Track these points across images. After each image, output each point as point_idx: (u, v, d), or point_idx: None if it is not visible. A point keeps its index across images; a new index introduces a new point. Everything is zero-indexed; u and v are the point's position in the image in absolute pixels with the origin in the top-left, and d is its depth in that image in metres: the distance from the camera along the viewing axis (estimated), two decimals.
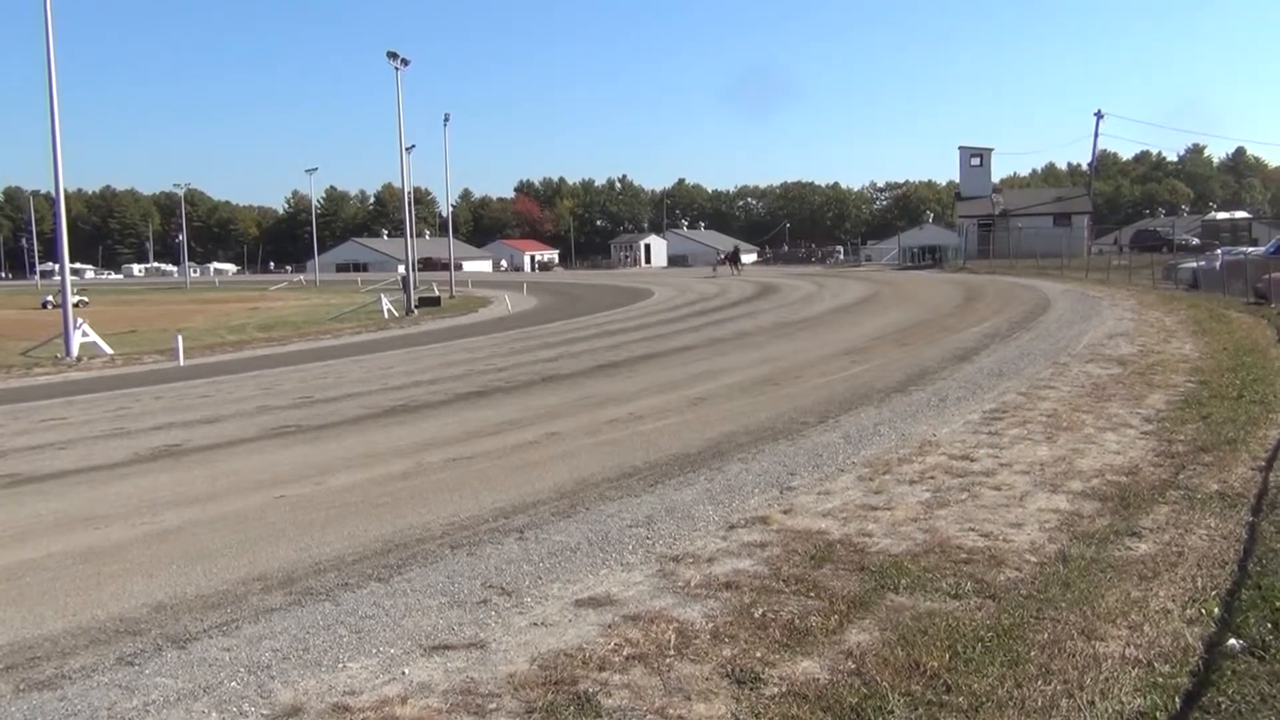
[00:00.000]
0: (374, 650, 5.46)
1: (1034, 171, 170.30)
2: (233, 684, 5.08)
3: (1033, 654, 5.04)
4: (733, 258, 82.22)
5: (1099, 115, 75.81)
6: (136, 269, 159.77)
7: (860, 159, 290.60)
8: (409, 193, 56.37)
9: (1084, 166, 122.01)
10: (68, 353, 25.75)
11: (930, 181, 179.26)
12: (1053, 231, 69.01)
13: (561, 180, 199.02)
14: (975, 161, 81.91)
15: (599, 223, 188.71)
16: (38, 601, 6.48)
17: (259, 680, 5.12)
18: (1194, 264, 40.51)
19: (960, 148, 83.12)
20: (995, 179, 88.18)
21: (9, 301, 69.08)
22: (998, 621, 5.47)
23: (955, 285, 44.30)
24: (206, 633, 5.81)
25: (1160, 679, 4.74)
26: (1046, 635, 5.27)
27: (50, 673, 5.31)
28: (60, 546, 7.81)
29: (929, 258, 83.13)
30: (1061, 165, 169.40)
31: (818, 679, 4.85)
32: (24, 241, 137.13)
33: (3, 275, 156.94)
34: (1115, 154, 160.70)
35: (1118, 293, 34.59)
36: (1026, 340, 20.47)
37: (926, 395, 13.65)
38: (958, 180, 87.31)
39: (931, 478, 8.92)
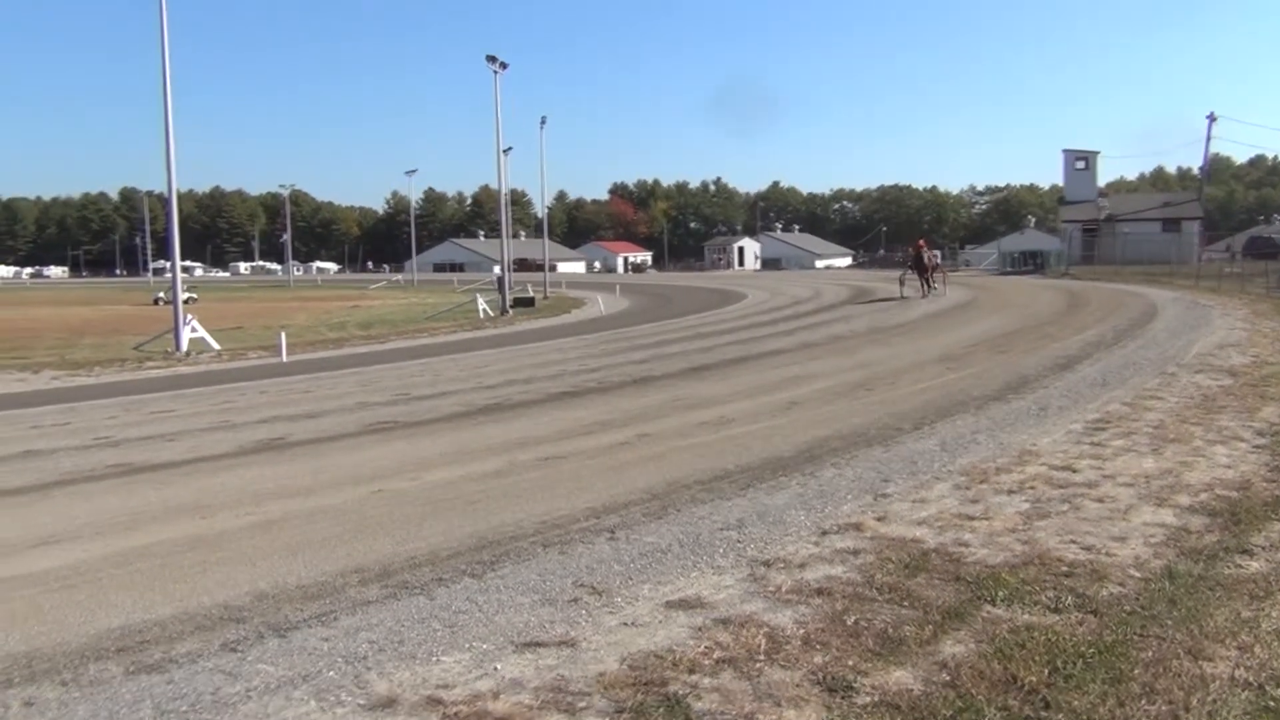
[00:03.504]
0: (467, 645, 5.53)
1: (1141, 175, 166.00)
2: (331, 673, 5.20)
3: (1136, 672, 4.89)
4: (917, 262, 43.77)
5: (1211, 118, 73.11)
6: (243, 267, 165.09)
7: (959, 161, 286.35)
8: (505, 194, 57.12)
9: (1195, 171, 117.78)
10: (177, 347, 26.70)
11: (1032, 185, 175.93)
12: (1161, 237, 66.91)
13: (656, 182, 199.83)
14: (1080, 165, 79.93)
15: (692, 225, 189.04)
16: (147, 587, 6.72)
17: (355, 670, 5.22)
18: None
19: (1064, 151, 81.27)
20: (1101, 183, 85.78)
21: (123, 298, 71.91)
22: (1099, 637, 5.31)
23: (1057, 291, 43.20)
24: (306, 622, 5.96)
25: (1272, 703, 4.55)
26: (1151, 653, 5.11)
27: (158, 656, 5.49)
28: (169, 534, 8.09)
29: (1030, 263, 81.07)
30: (1171, 169, 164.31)
31: (911, 690, 4.77)
32: (138, 240, 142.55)
33: (118, 272, 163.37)
34: (1229, 158, 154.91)
35: (1229, 301, 33.33)
36: (1132, 349, 19.86)
37: (1026, 404, 13.34)
38: (1061, 184, 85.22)
39: (1031, 488, 8.71)
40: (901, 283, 43.93)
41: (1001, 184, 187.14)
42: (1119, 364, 17.43)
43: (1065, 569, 6.48)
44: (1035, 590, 6.08)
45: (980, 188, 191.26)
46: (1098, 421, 11.81)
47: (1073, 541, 7.11)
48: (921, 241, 47.07)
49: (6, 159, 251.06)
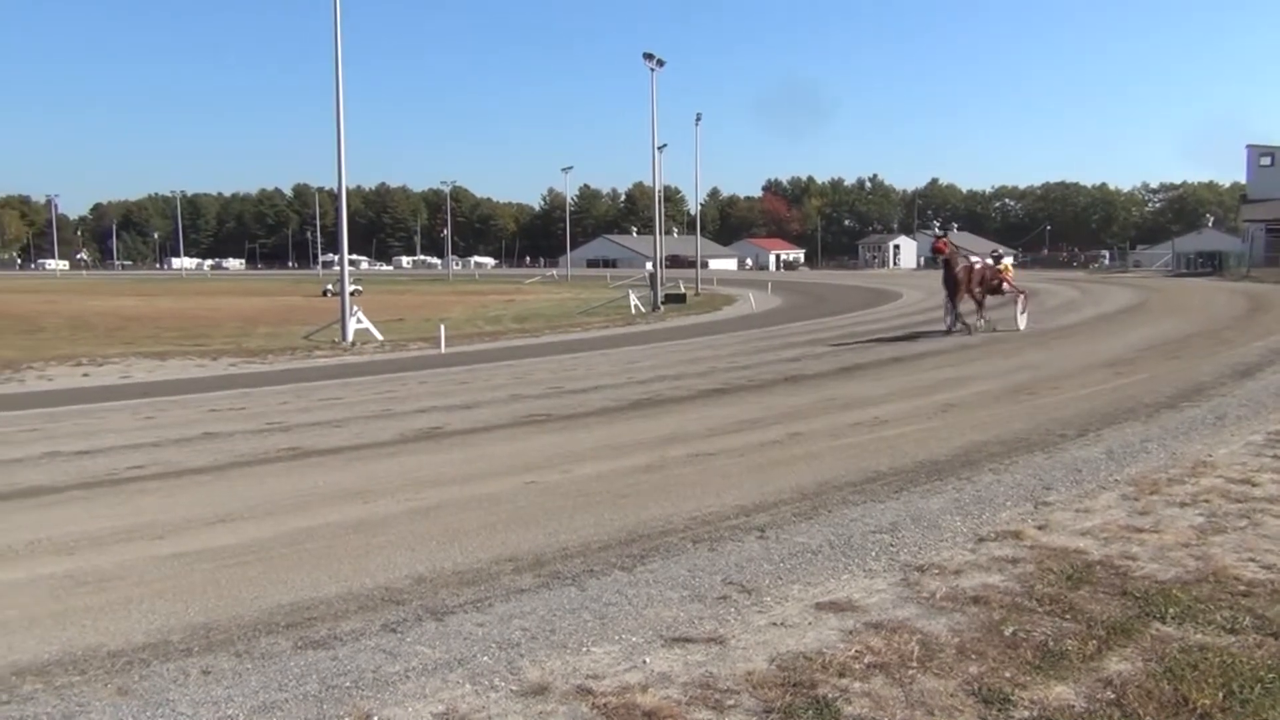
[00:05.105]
0: (616, 637, 5.59)
1: None
2: (485, 658, 5.33)
3: None
4: (947, 275, 26.36)
5: None
6: (404, 261, 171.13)
7: (1131, 157, 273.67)
8: (659, 191, 57.47)
9: None
10: (344, 337, 27.84)
11: (1211, 183, 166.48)
12: None
13: (810, 179, 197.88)
14: (1265, 161, 75.25)
15: (846, 222, 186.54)
16: (315, 567, 7.02)
17: (509, 657, 5.34)
18: None
19: (1248, 146, 76.67)
20: None
21: (294, 289, 75.40)
22: None
23: (1237, 295, 40.87)
24: (462, 607, 6.12)
25: None
26: None
27: (324, 633, 5.74)
28: (335, 517, 8.44)
29: (1207, 265, 76.96)
30: None
31: (1072, 706, 4.59)
32: (309, 234, 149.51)
33: (290, 264, 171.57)
34: None
35: None
36: None
37: (1201, 412, 12.65)
38: (1244, 181, 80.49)
39: (1205, 501, 8.25)
40: (946, 310, 27.29)
41: (1177, 181, 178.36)
42: None
43: (1243, 588, 6.12)
44: (1209, 609, 5.76)
45: (1154, 185, 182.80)
46: None
47: (1251, 559, 6.71)
48: (943, 242, 26.66)
49: (192, 157, 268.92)
